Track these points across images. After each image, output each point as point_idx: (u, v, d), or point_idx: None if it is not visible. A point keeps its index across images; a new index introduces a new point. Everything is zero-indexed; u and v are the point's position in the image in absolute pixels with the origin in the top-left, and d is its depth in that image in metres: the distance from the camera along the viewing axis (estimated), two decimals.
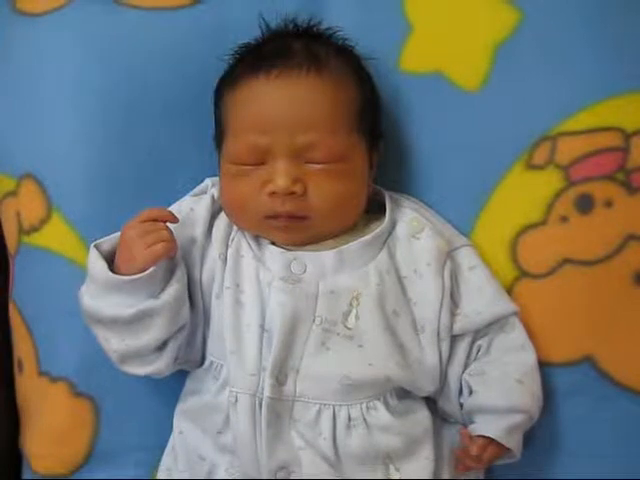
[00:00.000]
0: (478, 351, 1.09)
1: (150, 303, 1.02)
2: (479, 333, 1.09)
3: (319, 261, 1.05)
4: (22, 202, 1.18)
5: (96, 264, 1.04)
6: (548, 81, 1.14)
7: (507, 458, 1.07)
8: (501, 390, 1.06)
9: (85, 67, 1.16)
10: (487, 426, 1.05)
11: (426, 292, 1.07)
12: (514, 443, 1.05)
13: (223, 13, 1.17)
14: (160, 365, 1.06)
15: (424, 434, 1.06)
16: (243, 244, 1.08)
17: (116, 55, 1.16)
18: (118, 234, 1.06)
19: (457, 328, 1.07)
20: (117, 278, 1.02)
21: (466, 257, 1.11)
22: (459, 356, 1.08)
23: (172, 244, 1.03)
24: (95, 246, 1.06)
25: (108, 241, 1.07)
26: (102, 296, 1.03)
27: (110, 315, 1.03)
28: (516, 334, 1.09)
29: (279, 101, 1.04)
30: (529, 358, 1.09)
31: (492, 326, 1.09)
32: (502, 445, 1.04)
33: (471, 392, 1.07)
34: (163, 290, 1.03)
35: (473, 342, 1.09)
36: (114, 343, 1.05)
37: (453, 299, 1.08)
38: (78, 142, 1.16)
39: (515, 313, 1.10)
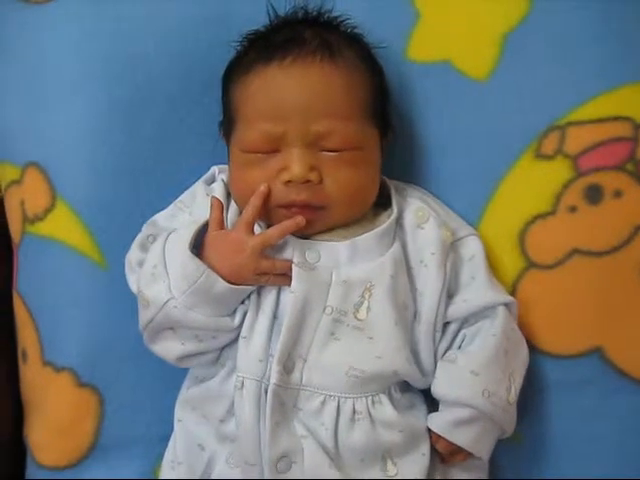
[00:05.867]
0: (463, 340, 1.08)
1: (244, 306, 1.03)
2: (466, 322, 1.08)
3: (333, 251, 1.04)
4: (26, 191, 1.17)
5: (211, 278, 1.00)
6: (556, 71, 1.13)
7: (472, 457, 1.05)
8: (454, 381, 1.04)
9: (89, 55, 1.15)
10: (434, 418, 1.04)
11: (428, 282, 1.06)
12: (462, 439, 1.03)
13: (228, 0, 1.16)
14: (213, 357, 1.06)
15: (424, 430, 1.05)
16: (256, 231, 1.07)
17: (120, 43, 1.15)
18: (187, 234, 1.04)
19: (445, 315, 1.07)
20: (239, 289, 1.01)
21: (469, 247, 1.10)
22: (442, 343, 1.07)
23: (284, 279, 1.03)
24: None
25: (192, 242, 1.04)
26: (202, 306, 1.01)
27: (213, 326, 1.02)
28: (496, 323, 1.06)
29: (294, 89, 1.03)
30: (489, 346, 1.05)
31: (480, 316, 1.07)
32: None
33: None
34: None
35: (458, 330, 1.08)
36: (187, 345, 1.04)
37: (449, 290, 1.07)
38: (82, 130, 1.15)
39: (505, 304, 1.08)
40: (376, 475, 1.02)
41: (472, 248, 1.10)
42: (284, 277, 1.03)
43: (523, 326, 1.11)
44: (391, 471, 1.03)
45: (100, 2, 1.16)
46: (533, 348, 1.11)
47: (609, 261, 1.11)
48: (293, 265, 1.02)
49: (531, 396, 1.11)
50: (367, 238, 1.05)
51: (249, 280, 1.02)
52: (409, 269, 1.07)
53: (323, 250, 1.04)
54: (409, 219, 1.09)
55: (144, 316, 1.04)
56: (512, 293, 1.11)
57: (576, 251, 1.11)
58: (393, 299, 1.03)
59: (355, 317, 1.03)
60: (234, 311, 1.03)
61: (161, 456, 1.13)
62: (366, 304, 1.03)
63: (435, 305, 1.05)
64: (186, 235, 1.04)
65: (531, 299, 1.11)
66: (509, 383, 1.05)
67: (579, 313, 1.12)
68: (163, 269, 1.02)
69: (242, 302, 1.04)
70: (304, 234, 1.05)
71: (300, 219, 1.02)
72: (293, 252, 1.03)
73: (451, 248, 1.08)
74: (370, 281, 1.03)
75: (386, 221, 1.07)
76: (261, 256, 1.02)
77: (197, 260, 1.01)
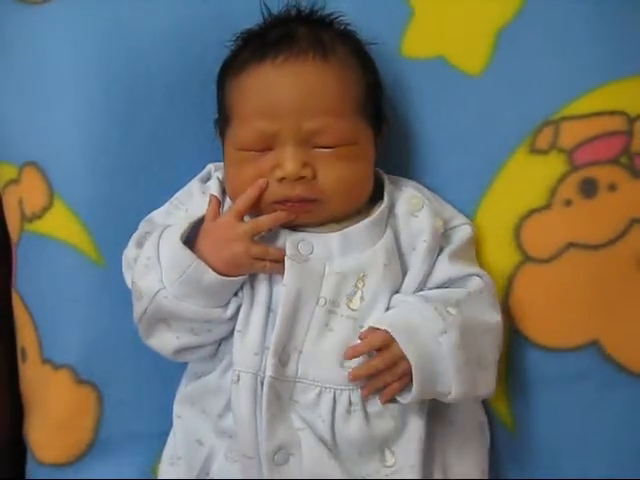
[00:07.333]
0: None
1: (238, 299, 1.04)
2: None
3: (326, 243, 1.05)
4: (24, 190, 1.18)
5: (201, 269, 1.01)
6: (550, 65, 1.13)
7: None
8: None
9: (86, 53, 1.16)
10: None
11: (416, 265, 1.06)
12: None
13: None
14: (210, 350, 1.07)
15: (415, 410, 1.04)
16: None
17: (117, 40, 1.16)
18: (181, 226, 1.04)
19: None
20: (230, 280, 1.01)
21: (459, 233, 1.10)
22: None
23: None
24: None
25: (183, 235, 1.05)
26: (194, 297, 1.02)
27: (205, 317, 1.03)
28: (467, 286, 1.06)
29: (286, 87, 1.03)
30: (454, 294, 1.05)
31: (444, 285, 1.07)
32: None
33: None
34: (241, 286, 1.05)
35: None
36: (182, 339, 1.05)
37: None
38: (80, 129, 1.15)
39: (476, 275, 1.07)
40: (375, 466, 1.03)
41: (462, 234, 1.10)
42: (280, 265, 1.03)
43: (519, 320, 1.11)
44: (389, 461, 1.03)
45: (98, 1, 1.16)
46: (529, 342, 1.12)
47: (605, 254, 1.11)
48: (286, 257, 1.03)
49: (527, 390, 1.11)
50: (358, 228, 1.05)
51: (245, 267, 1.02)
52: (401, 256, 1.07)
53: (316, 242, 1.04)
54: (402, 207, 1.09)
55: (138, 308, 1.05)
56: (508, 287, 1.12)
57: (572, 245, 1.11)
58: (386, 287, 1.04)
59: (348, 307, 1.03)
60: (227, 303, 1.04)
61: (160, 452, 1.13)
62: (359, 294, 1.04)
63: (414, 286, 1.06)
64: (180, 228, 1.04)
65: (527, 293, 1.11)
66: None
67: (575, 307, 1.12)
68: (156, 260, 1.03)
69: (236, 294, 1.04)
70: (299, 225, 1.06)
71: (291, 213, 1.03)
72: (285, 244, 1.04)
73: (443, 237, 1.09)
74: (363, 271, 1.04)
75: (377, 211, 1.07)
76: (252, 241, 1.02)
77: (188, 251, 1.02)
